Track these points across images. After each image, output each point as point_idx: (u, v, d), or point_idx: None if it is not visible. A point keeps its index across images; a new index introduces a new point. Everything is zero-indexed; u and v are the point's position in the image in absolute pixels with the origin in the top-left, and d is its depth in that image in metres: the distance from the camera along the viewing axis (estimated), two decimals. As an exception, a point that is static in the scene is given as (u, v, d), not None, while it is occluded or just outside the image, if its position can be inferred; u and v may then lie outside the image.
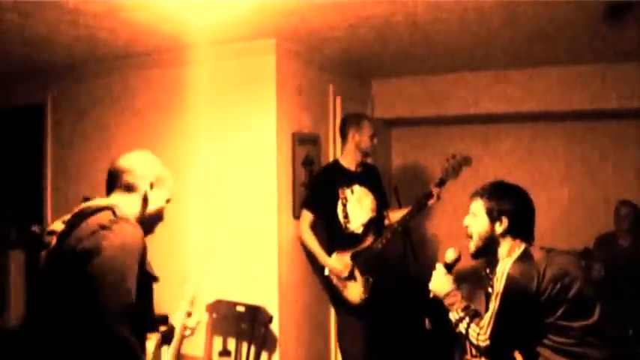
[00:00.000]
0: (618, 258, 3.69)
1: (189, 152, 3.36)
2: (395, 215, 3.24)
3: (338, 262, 3.12)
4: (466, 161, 3.17)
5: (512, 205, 1.93)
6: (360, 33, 2.94)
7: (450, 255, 2.11)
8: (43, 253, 1.66)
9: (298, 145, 3.33)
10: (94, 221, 1.60)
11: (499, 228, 1.93)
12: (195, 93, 3.27)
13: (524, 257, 1.88)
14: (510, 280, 1.82)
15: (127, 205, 1.75)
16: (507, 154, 4.50)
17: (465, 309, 1.96)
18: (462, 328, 1.93)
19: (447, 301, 2.00)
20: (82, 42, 3.02)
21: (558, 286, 1.79)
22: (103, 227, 1.57)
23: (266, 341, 3.01)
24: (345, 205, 3.16)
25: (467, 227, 2.02)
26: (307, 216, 3.20)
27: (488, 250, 1.99)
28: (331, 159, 3.79)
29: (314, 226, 3.21)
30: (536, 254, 1.89)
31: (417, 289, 3.38)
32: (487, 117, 4.33)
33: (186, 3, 2.41)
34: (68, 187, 3.83)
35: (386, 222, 3.25)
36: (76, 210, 1.69)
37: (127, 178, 1.78)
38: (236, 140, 3.23)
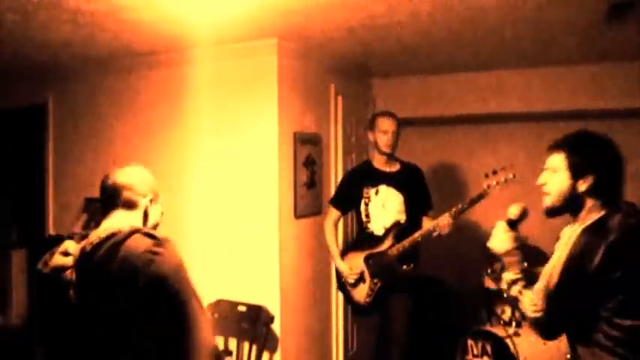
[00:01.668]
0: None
1: (191, 152, 3.36)
2: (428, 223, 3.07)
3: (346, 267, 3.14)
4: (514, 178, 2.82)
5: (600, 160, 1.67)
6: (362, 33, 2.94)
7: (512, 210, 1.88)
8: (69, 275, 1.66)
9: (300, 145, 3.33)
10: (134, 246, 1.62)
11: (582, 186, 1.67)
12: (196, 93, 3.27)
13: (596, 228, 1.62)
14: (574, 252, 1.59)
15: (132, 222, 1.76)
16: (507, 154, 4.50)
17: (523, 271, 1.77)
18: (514, 291, 1.76)
19: (505, 260, 1.82)
20: (83, 42, 3.02)
21: (619, 274, 1.55)
22: (154, 253, 1.61)
23: (267, 341, 3.01)
24: (367, 205, 3.15)
25: (542, 185, 1.77)
26: (332, 212, 3.28)
27: (565, 210, 1.73)
28: (332, 159, 3.81)
29: (337, 224, 3.33)
30: (612, 225, 1.61)
31: (422, 289, 3.38)
32: (487, 117, 4.33)
33: (188, 3, 2.41)
34: (70, 188, 3.84)
35: (422, 228, 3.06)
36: (100, 235, 1.68)
37: (128, 194, 1.78)
38: (237, 140, 3.23)
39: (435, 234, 2.94)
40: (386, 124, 3.13)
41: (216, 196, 3.28)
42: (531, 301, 1.69)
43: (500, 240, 1.85)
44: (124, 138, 3.62)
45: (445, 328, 3.78)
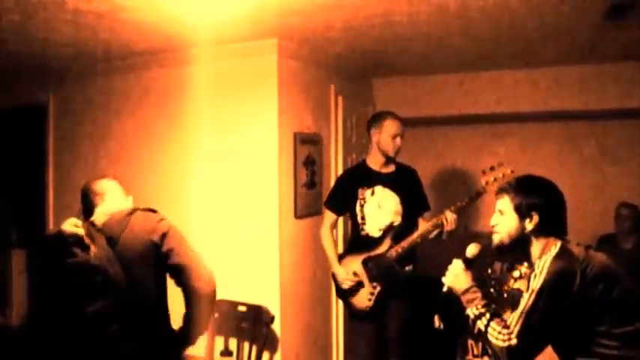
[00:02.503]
0: (620, 260, 3.65)
1: (191, 152, 3.36)
2: (424, 224, 3.02)
3: (342, 271, 3.00)
4: (510, 174, 2.74)
5: (541, 200, 1.82)
6: (362, 33, 2.94)
7: (471, 249, 1.96)
8: (94, 250, 1.96)
9: (300, 145, 3.33)
10: (143, 218, 2.06)
11: (529, 225, 1.81)
12: (196, 93, 3.27)
13: (564, 254, 1.75)
14: (551, 277, 1.69)
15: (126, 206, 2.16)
16: (507, 154, 4.50)
17: (486, 306, 1.84)
18: (480, 325, 1.81)
19: (465, 298, 1.89)
20: (83, 42, 3.02)
21: (600, 287, 1.68)
22: (161, 219, 2.08)
23: (268, 341, 3.01)
24: (362, 206, 3.02)
25: (494, 226, 1.90)
26: (328, 215, 3.12)
27: (513, 247, 1.87)
28: (332, 159, 3.80)
29: (335, 226, 3.22)
30: (575, 250, 1.77)
31: (422, 290, 3.36)
32: (487, 117, 4.33)
33: (188, 3, 2.41)
34: (69, 188, 3.83)
35: (419, 228, 3.01)
36: (106, 213, 2.09)
37: (116, 192, 2.22)
38: (237, 140, 3.24)
39: (435, 233, 2.89)
40: (396, 129, 3.00)
41: (217, 196, 3.28)
42: (499, 331, 1.74)
43: (457, 279, 1.93)
44: (124, 138, 3.62)
45: (445, 328, 3.77)
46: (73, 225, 2.01)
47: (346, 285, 2.98)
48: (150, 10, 2.49)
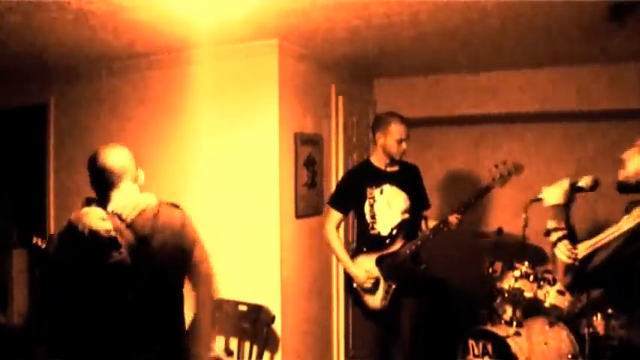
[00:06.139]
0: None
1: (192, 152, 3.36)
2: (431, 222, 3.06)
3: (361, 271, 2.95)
4: (517, 170, 2.84)
5: None
6: (363, 33, 2.94)
7: (585, 180, 1.99)
8: (122, 252, 1.81)
9: (300, 145, 3.33)
10: (169, 217, 1.98)
11: None
12: (197, 93, 3.27)
13: None
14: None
15: (139, 194, 2.01)
16: (508, 155, 4.50)
17: (567, 224, 1.87)
18: (554, 236, 1.86)
19: (554, 211, 1.92)
20: (84, 43, 3.02)
21: None
22: (187, 220, 2.06)
23: (268, 341, 3.02)
24: (372, 206, 3.00)
25: (624, 160, 1.87)
26: (334, 215, 3.06)
27: (633, 190, 1.82)
28: (333, 159, 3.81)
29: (339, 226, 3.12)
30: None
31: (431, 288, 3.35)
32: (487, 117, 4.33)
33: (188, 3, 2.41)
34: (70, 187, 3.84)
35: (423, 226, 3.07)
36: (138, 210, 1.91)
37: (129, 173, 1.99)
38: (238, 140, 3.24)
39: (445, 230, 2.90)
40: (402, 133, 2.97)
41: (218, 196, 3.29)
42: (568, 248, 1.79)
43: (555, 193, 1.96)
44: (124, 138, 3.60)
45: (446, 327, 3.78)
46: (101, 219, 1.81)
47: (368, 284, 2.93)
48: (151, 11, 2.49)
